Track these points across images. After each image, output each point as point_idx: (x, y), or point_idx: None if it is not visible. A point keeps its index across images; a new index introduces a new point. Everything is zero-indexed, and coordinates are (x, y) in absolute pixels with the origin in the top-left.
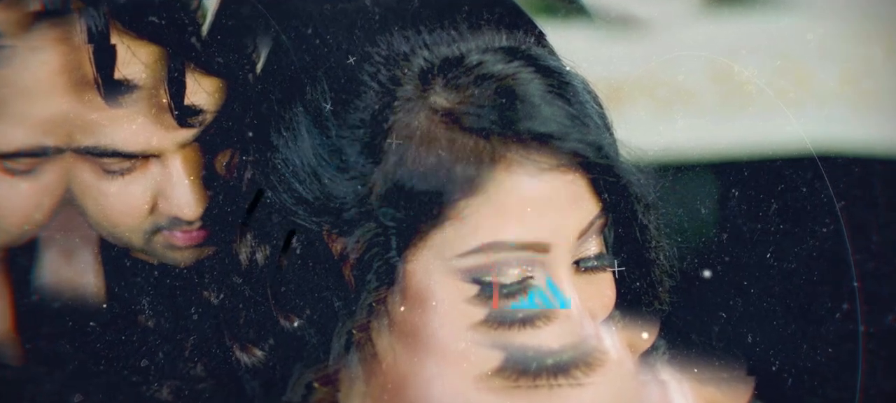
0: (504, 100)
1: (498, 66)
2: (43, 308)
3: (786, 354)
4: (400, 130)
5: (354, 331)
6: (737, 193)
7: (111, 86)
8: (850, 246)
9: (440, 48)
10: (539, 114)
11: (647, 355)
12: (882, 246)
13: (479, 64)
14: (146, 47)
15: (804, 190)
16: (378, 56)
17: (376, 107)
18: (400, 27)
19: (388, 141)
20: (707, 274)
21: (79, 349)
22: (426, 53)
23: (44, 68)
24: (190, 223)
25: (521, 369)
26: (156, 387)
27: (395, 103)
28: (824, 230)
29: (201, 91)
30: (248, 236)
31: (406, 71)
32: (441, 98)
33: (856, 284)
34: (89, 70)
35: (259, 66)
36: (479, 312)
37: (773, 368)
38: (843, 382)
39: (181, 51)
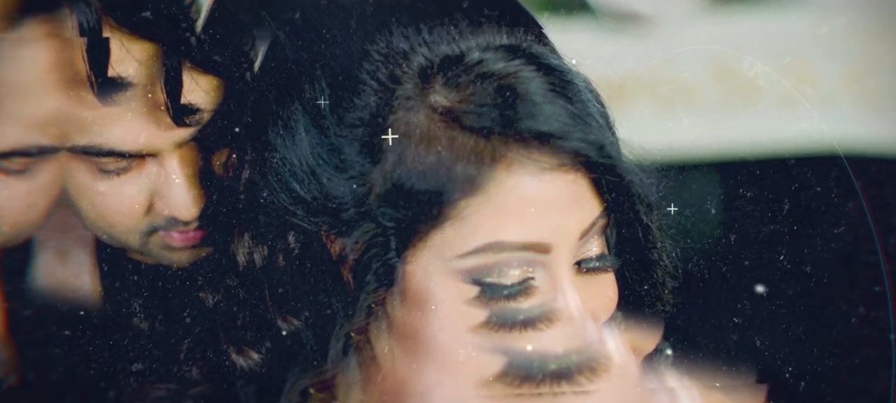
0: (505, 99)
1: (499, 65)
2: (37, 310)
3: (799, 360)
4: (399, 129)
5: (353, 334)
6: (743, 192)
7: (105, 84)
8: (880, 247)
9: (440, 46)
10: (540, 112)
11: (652, 359)
12: None
13: (480, 62)
14: (140, 44)
15: (817, 189)
16: (377, 54)
17: (375, 105)
18: (399, 25)
19: (385, 138)
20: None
21: (72, 352)
22: (426, 51)
23: (35, 65)
24: (187, 223)
25: (524, 374)
26: (149, 391)
27: (395, 102)
28: (836, 231)
29: (198, 89)
30: (246, 237)
31: (405, 69)
32: (441, 97)
33: (878, 289)
34: (82, 67)
35: (257, 64)
36: (480, 314)
37: (787, 375)
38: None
39: (176, 48)
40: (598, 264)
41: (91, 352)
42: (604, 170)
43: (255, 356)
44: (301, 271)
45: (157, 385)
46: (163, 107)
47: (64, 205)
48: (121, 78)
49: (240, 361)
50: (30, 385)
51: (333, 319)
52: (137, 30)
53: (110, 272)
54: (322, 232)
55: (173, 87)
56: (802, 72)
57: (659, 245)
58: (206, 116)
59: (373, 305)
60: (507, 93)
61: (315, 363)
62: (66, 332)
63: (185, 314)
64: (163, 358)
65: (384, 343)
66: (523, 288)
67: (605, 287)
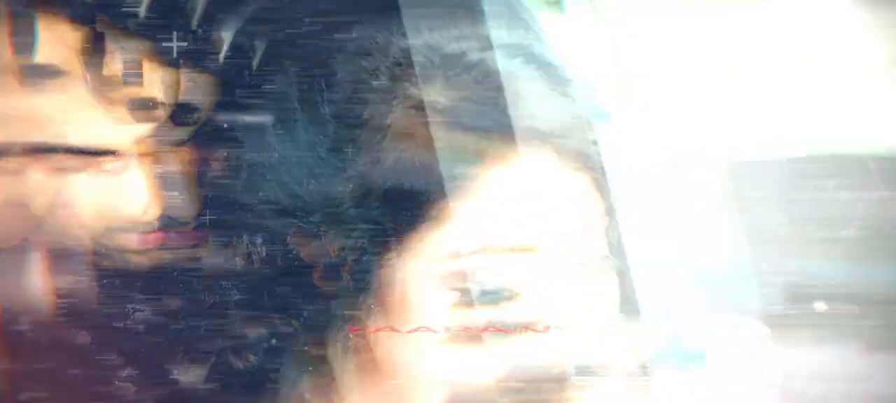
0: (504, 98)
1: (499, 63)
2: (30, 313)
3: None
4: (399, 128)
5: (351, 337)
6: (747, 193)
7: (100, 83)
8: None
9: (440, 45)
10: (540, 111)
11: (655, 362)
12: None
13: (480, 61)
14: (136, 41)
15: (823, 189)
16: (377, 52)
17: (374, 104)
18: (399, 23)
19: (386, 139)
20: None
21: (66, 355)
22: (426, 50)
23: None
24: (184, 224)
25: (524, 378)
26: (145, 394)
27: (394, 100)
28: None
29: (195, 88)
30: (243, 237)
31: (405, 68)
32: (441, 95)
33: None
34: (77, 65)
35: (255, 62)
36: (480, 316)
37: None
38: None
39: (173, 45)
40: (599, 265)
41: (85, 355)
42: (604, 169)
43: (253, 358)
44: (298, 272)
45: (152, 388)
46: (159, 106)
47: (59, 205)
48: (116, 76)
49: (237, 363)
50: (23, 389)
51: (332, 321)
52: (132, 27)
53: (106, 273)
54: (321, 233)
55: (170, 86)
56: (808, 70)
57: (661, 246)
58: (203, 115)
59: (371, 306)
60: (507, 92)
61: (313, 366)
62: (60, 335)
63: (181, 315)
64: (158, 361)
65: (383, 346)
66: (523, 290)
67: (607, 288)
